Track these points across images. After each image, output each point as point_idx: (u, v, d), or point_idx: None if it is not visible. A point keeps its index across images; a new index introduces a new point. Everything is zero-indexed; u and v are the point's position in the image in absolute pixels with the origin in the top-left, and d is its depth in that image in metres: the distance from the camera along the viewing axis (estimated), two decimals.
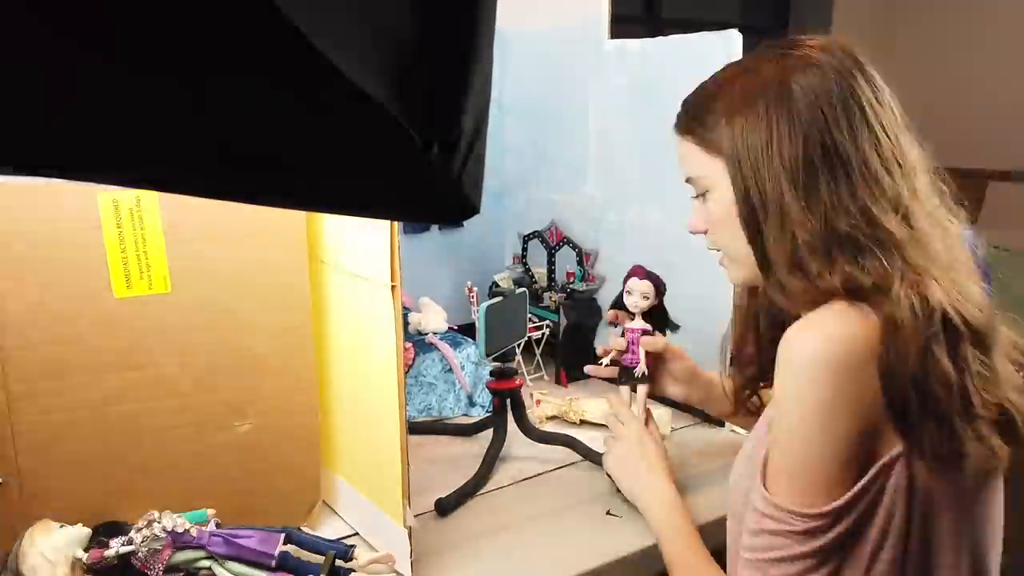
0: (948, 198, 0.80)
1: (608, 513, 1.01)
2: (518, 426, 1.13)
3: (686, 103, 0.86)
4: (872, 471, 0.69)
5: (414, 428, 1.05)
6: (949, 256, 0.74)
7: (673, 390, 1.11)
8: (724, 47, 1.17)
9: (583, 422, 1.30)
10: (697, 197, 0.86)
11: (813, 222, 0.73)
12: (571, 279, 1.49)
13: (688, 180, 0.86)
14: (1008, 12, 3.62)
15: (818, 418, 0.68)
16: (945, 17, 3.95)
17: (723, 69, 0.84)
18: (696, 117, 0.83)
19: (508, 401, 1.13)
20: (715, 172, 0.81)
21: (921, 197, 0.75)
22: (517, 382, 1.12)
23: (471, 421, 1.24)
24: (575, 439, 1.13)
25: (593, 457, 1.07)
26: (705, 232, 0.87)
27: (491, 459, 1.10)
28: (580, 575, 0.89)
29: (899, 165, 0.74)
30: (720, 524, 0.94)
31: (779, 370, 0.72)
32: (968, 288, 0.72)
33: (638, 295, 1.03)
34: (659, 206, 1.33)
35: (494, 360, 1.10)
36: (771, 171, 0.75)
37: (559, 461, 1.14)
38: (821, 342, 0.68)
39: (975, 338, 0.70)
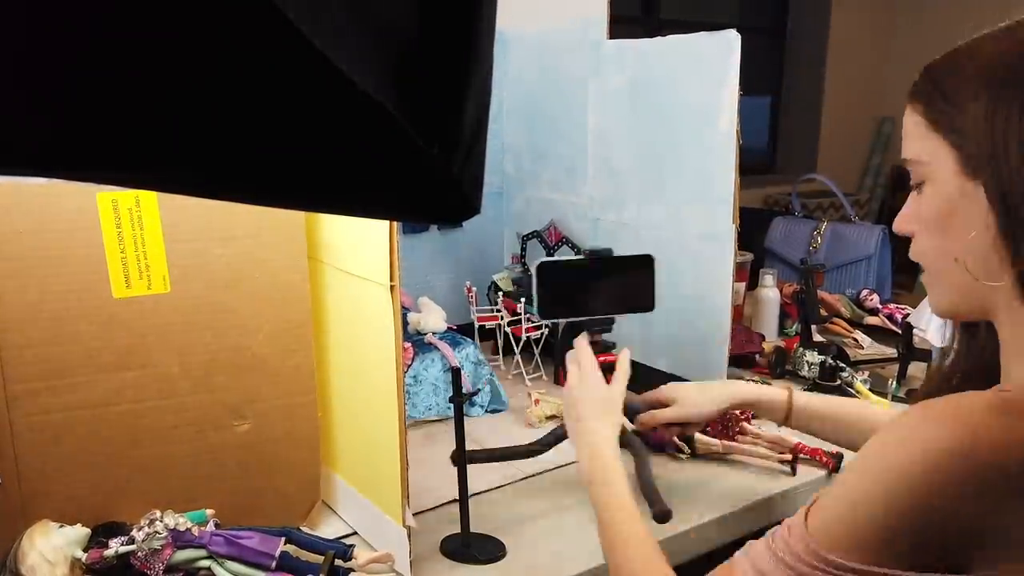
0: None
1: None
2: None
3: (926, 67, 0.65)
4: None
5: (472, 458, 0.95)
6: None
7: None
8: (723, 47, 1.17)
9: None
10: (914, 188, 0.66)
11: None
12: None
13: (905, 162, 0.67)
14: (1008, 12, 3.62)
15: (885, 487, 0.55)
16: (944, 17, 3.95)
17: (988, 32, 0.64)
18: (932, 82, 0.63)
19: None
20: (938, 156, 0.62)
21: None
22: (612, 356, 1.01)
23: (532, 442, 1.07)
24: (646, 454, 1.00)
25: (646, 483, 0.96)
26: (912, 236, 0.68)
27: (552, 440, 1.04)
28: (580, 575, 0.89)
29: None
30: (719, 524, 0.95)
31: (877, 440, 0.59)
32: None
33: None
34: (658, 206, 1.33)
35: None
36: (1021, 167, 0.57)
37: (559, 461, 1.14)
38: (928, 441, 0.54)
39: None
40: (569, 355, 0.98)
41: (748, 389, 1.05)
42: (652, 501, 0.95)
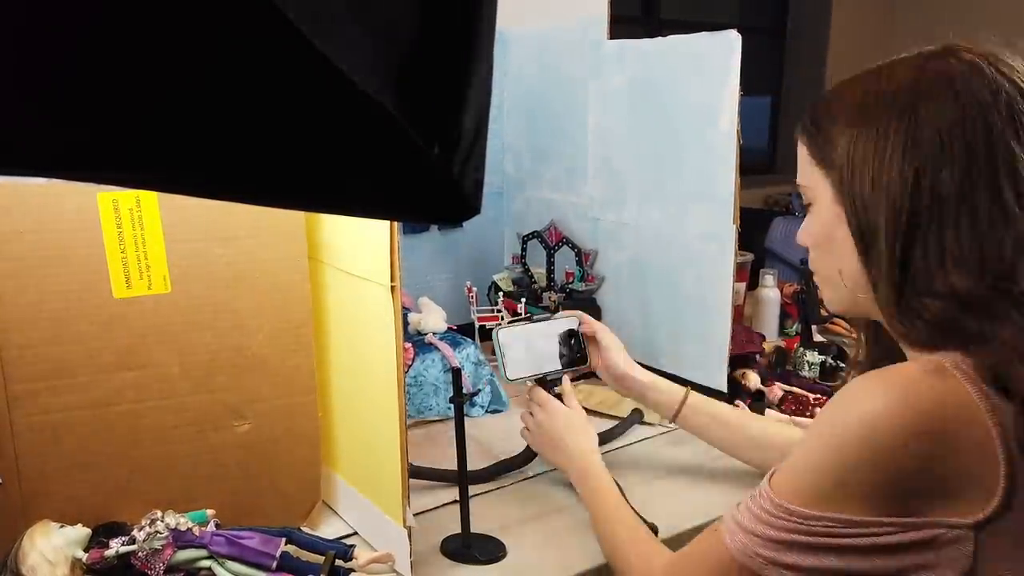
0: None
1: None
2: None
3: (810, 104, 0.76)
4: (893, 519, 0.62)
5: (474, 478, 1.00)
6: None
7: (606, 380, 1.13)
8: (723, 47, 1.17)
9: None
10: (807, 208, 0.77)
11: (911, 270, 0.65)
12: (570, 279, 1.49)
13: (799, 187, 0.78)
14: (1008, 12, 3.62)
15: (836, 447, 0.63)
16: (944, 18, 3.95)
17: (868, 68, 0.73)
18: (814, 120, 0.74)
19: None
20: (818, 185, 0.73)
21: None
22: None
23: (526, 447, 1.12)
24: (618, 486, 1.02)
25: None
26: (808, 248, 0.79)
27: (505, 468, 1.10)
28: (580, 575, 0.89)
29: (1021, 219, 0.64)
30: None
31: (826, 410, 0.67)
32: None
33: None
34: (658, 206, 1.33)
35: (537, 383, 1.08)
36: (875, 199, 0.66)
37: None
38: (869, 407, 0.62)
39: None
40: (527, 404, 1.09)
41: (651, 375, 1.12)
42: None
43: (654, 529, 0.95)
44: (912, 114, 0.65)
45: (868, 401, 0.62)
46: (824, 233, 0.73)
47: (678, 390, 1.10)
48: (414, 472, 1.01)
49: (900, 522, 0.61)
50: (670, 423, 1.12)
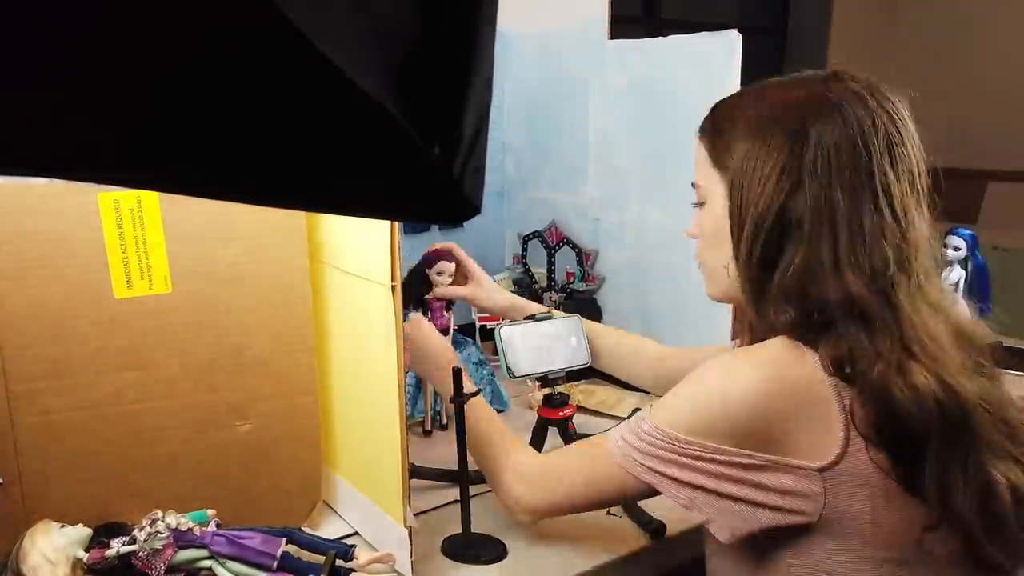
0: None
1: (608, 513, 1.01)
2: None
3: (714, 106, 0.84)
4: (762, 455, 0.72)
5: (475, 478, 1.00)
6: (940, 339, 0.72)
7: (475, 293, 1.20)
8: (723, 48, 1.17)
9: (580, 408, 1.31)
10: (696, 205, 0.86)
11: (782, 270, 0.74)
12: (571, 279, 1.49)
13: (693, 184, 0.86)
14: (1008, 12, 3.62)
15: (707, 399, 0.75)
16: (945, 17, 3.95)
17: (766, 81, 0.82)
18: (715, 124, 0.82)
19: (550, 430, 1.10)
20: (714, 185, 0.81)
21: (914, 270, 0.73)
22: (562, 413, 1.09)
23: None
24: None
25: (636, 512, 1.00)
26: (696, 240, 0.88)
27: None
28: (580, 575, 0.89)
29: (898, 238, 0.72)
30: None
31: (706, 373, 0.76)
32: (958, 376, 0.70)
33: (447, 275, 1.19)
34: (659, 206, 1.33)
35: (542, 386, 1.11)
36: (758, 204, 0.74)
37: None
38: (739, 378, 0.73)
39: (959, 426, 0.69)
40: (405, 326, 1.09)
41: (519, 299, 1.21)
42: (643, 521, 0.98)
43: (662, 528, 0.96)
44: (802, 132, 0.73)
45: (738, 377, 0.73)
46: (713, 229, 0.82)
47: (542, 309, 1.18)
48: (414, 472, 1.02)
49: (757, 454, 0.72)
50: None
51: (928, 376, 0.69)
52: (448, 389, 0.93)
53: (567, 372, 1.11)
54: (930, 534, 0.70)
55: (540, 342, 1.10)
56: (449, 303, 1.22)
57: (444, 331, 1.21)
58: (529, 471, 0.87)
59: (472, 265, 1.21)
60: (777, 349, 0.74)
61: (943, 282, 0.79)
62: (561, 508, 0.86)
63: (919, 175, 0.75)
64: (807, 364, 0.72)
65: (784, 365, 0.72)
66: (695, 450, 0.73)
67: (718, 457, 0.73)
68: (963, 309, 0.85)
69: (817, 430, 0.71)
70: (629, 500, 0.98)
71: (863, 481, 0.70)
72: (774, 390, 0.71)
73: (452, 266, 1.19)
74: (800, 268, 0.73)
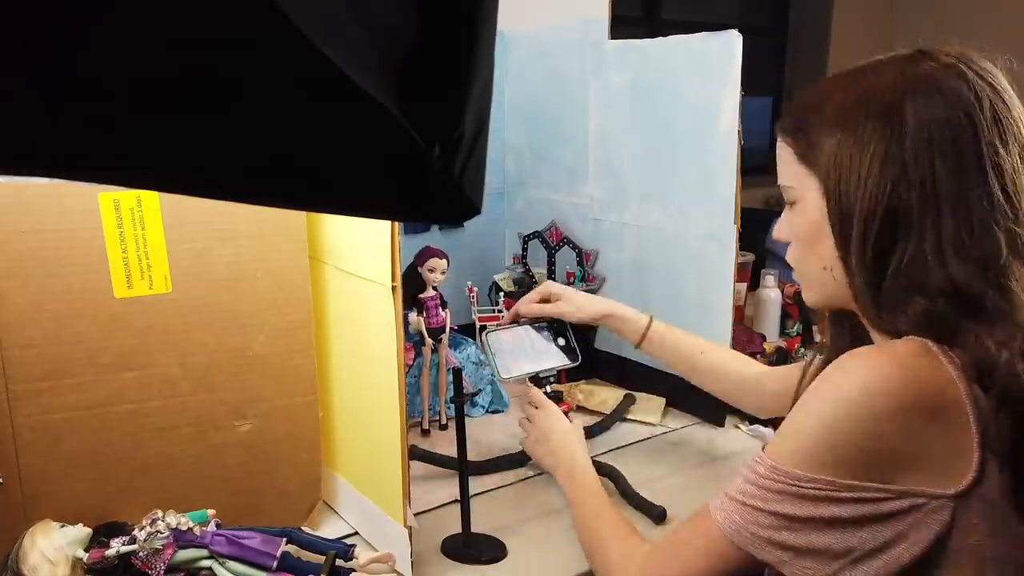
0: None
1: None
2: None
3: (793, 103, 0.77)
4: (882, 487, 0.64)
5: (475, 470, 1.05)
6: None
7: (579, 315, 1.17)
8: (724, 48, 1.17)
9: (580, 408, 1.32)
10: (788, 205, 0.79)
11: (894, 267, 0.68)
12: (571, 279, 1.49)
13: (781, 187, 0.79)
14: (1009, 11, 3.62)
15: (831, 413, 0.65)
16: (945, 18, 3.95)
17: (845, 70, 0.75)
18: (798, 120, 0.75)
19: None
20: (804, 184, 0.75)
21: None
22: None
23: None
24: (620, 473, 1.07)
25: (635, 499, 1.03)
26: (787, 243, 0.81)
27: (507, 463, 1.13)
28: (580, 575, 0.89)
29: (1011, 219, 0.66)
30: None
31: (823, 380, 0.68)
32: None
33: (439, 272, 1.19)
34: (659, 206, 1.33)
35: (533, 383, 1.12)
36: (862, 199, 0.68)
37: None
38: (868, 378, 0.64)
39: None
40: (528, 401, 1.11)
41: (616, 304, 1.18)
42: (644, 506, 1.00)
43: (662, 513, 0.98)
44: (898, 114, 0.67)
45: (866, 372, 0.64)
46: (811, 231, 0.75)
47: (640, 317, 1.16)
48: (415, 454, 1.02)
49: (884, 488, 0.64)
50: (636, 348, 1.18)
51: None
52: (558, 473, 0.97)
53: (558, 372, 1.13)
54: None
55: (527, 344, 1.12)
56: (443, 301, 1.23)
57: (440, 329, 1.22)
58: (640, 562, 0.78)
59: (554, 287, 1.18)
60: (907, 350, 0.65)
61: None
62: None
63: None
64: (940, 366, 0.64)
65: (917, 368, 0.64)
66: (816, 488, 0.65)
67: (840, 494, 0.64)
68: None
69: (950, 446, 0.63)
70: (629, 493, 0.98)
71: (994, 507, 0.64)
72: (909, 391, 0.63)
73: (444, 263, 1.19)
74: (912, 261, 0.67)
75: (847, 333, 0.81)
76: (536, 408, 1.08)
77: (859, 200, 0.68)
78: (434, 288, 1.22)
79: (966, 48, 0.70)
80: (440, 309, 1.22)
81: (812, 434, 0.66)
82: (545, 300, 1.17)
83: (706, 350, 1.14)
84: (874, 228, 0.68)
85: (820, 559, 0.66)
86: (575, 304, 1.16)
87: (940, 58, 0.69)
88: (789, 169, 0.76)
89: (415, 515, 0.88)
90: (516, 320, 1.17)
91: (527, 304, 1.17)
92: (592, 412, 1.32)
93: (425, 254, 1.20)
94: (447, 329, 1.24)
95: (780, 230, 0.81)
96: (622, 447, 1.21)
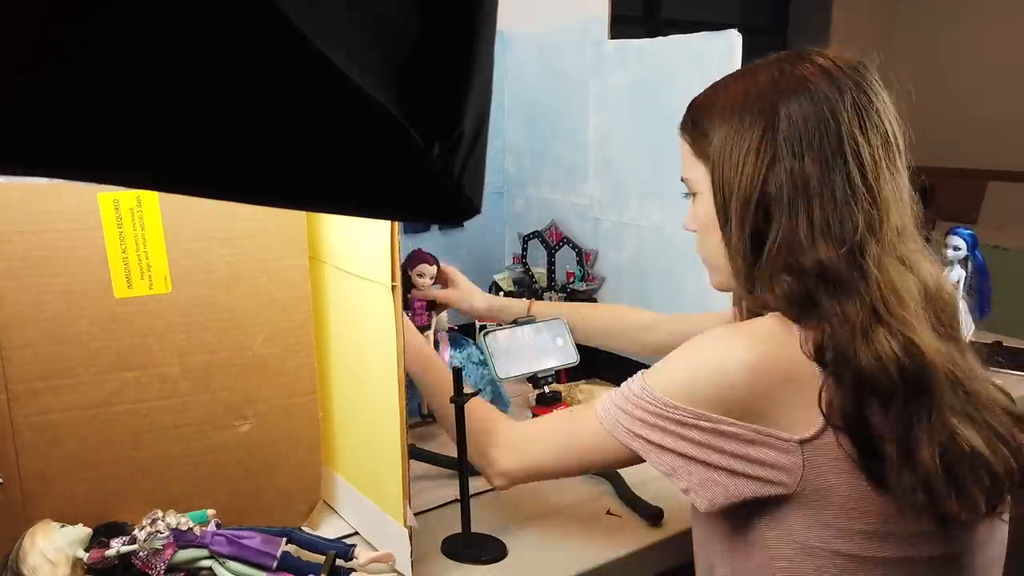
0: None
1: (608, 513, 1.01)
2: None
3: (691, 102, 0.86)
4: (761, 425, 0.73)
5: (472, 469, 1.04)
6: (905, 296, 0.73)
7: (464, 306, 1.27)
8: (724, 47, 1.17)
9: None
10: (688, 196, 0.88)
11: (767, 248, 0.76)
12: (571, 279, 1.49)
13: (682, 179, 0.88)
14: (1008, 12, 3.62)
15: (692, 376, 0.76)
16: (945, 18, 3.95)
17: (735, 72, 0.85)
18: (693, 118, 0.84)
19: None
20: (699, 176, 0.83)
21: (887, 235, 0.75)
22: (555, 410, 1.11)
23: None
24: (617, 473, 1.06)
25: (632, 499, 1.02)
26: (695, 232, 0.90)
27: None
28: (580, 575, 0.89)
29: (867, 201, 0.74)
30: None
31: (697, 344, 0.78)
32: (921, 333, 0.72)
33: (428, 277, 1.23)
34: (659, 206, 1.33)
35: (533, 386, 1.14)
36: (740, 185, 0.77)
37: None
38: (726, 353, 0.75)
39: (918, 388, 0.71)
40: None
41: (502, 299, 1.31)
42: (640, 508, 1.00)
43: (659, 513, 0.98)
44: (772, 111, 0.75)
45: (733, 348, 0.75)
46: (706, 220, 0.83)
47: (522, 304, 1.27)
48: (415, 454, 1.02)
49: (742, 424, 0.73)
50: None
51: (891, 339, 0.71)
52: (414, 373, 0.96)
53: (557, 371, 1.13)
54: (900, 505, 0.72)
55: (525, 344, 1.13)
56: (431, 304, 1.24)
57: (422, 329, 1.24)
58: (508, 436, 0.88)
59: (452, 272, 1.26)
60: (770, 325, 0.76)
61: (922, 240, 0.80)
62: (538, 471, 0.87)
63: (894, 135, 0.77)
64: (795, 342, 0.74)
65: (776, 342, 0.74)
66: (683, 416, 0.75)
67: (704, 424, 0.74)
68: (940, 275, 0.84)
69: (801, 405, 0.73)
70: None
71: (837, 457, 0.72)
72: (766, 365, 0.73)
73: (433, 269, 1.21)
74: (782, 243, 0.75)
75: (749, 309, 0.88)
76: None
77: (737, 187, 0.77)
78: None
79: (838, 51, 0.79)
80: (425, 311, 1.24)
81: (684, 375, 0.77)
82: (444, 284, 1.25)
83: (587, 315, 1.25)
84: (749, 213, 0.76)
85: (680, 459, 0.76)
86: (465, 295, 1.26)
87: (814, 59, 0.78)
88: (687, 163, 0.85)
89: (415, 515, 0.88)
90: (513, 321, 1.18)
91: (423, 292, 1.23)
92: None
93: (415, 259, 1.21)
94: (431, 329, 1.25)
95: (686, 221, 0.90)
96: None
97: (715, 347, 0.77)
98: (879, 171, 0.75)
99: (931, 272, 0.78)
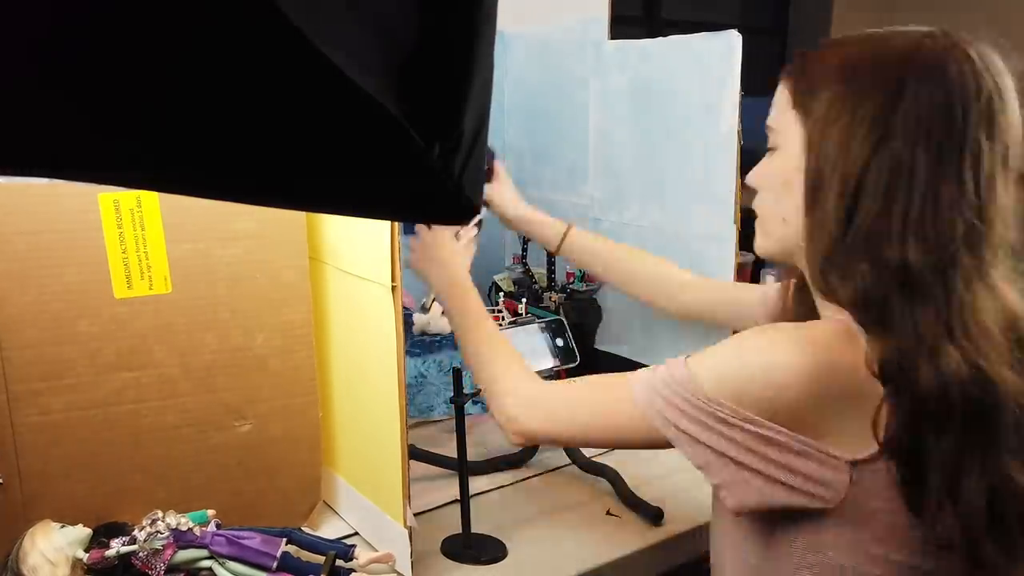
0: None
1: (608, 513, 1.01)
2: (566, 454, 1.13)
3: (804, 51, 0.76)
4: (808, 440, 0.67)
5: (473, 470, 1.04)
6: (987, 321, 0.66)
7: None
8: (724, 48, 1.17)
9: None
10: (768, 152, 0.78)
11: (852, 232, 0.68)
12: (571, 279, 1.48)
13: (767, 128, 0.78)
14: (1008, 11, 3.61)
15: (740, 377, 0.69)
16: (945, 18, 3.94)
17: (869, 31, 0.74)
18: (803, 66, 0.74)
19: None
20: (790, 131, 0.74)
21: (982, 248, 0.68)
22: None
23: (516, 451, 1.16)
24: (617, 473, 1.08)
25: (632, 499, 1.03)
26: (757, 190, 0.81)
27: (505, 464, 1.13)
28: (580, 575, 0.89)
29: (973, 212, 0.67)
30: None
31: (744, 341, 0.71)
32: (995, 362, 0.65)
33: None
34: (659, 206, 1.33)
35: None
36: (840, 157, 0.68)
37: (560, 462, 1.14)
38: (787, 356, 0.67)
39: (978, 419, 0.65)
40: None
41: (537, 212, 1.23)
42: (640, 507, 1.00)
43: (659, 513, 0.98)
44: (897, 87, 0.67)
45: (786, 352, 0.68)
46: (782, 178, 0.75)
47: (560, 225, 1.20)
48: (415, 454, 1.02)
49: (788, 433, 0.67)
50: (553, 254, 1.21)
51: (960, 361, 0.64)
52: (450, 303, 0.93)
53: (557, 371, 1.13)
54: (937, 541, 0.67)
55: (525, 344, 1.12)
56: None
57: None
58: (532, 392, 0.83)
59: (499, 170, 1.21)
60: (833, 331, 0.69)
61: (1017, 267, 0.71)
62: (558, 437, 0.84)
63: (1015, 152, 0.69)
64: (857, 354, 0.67)
65: (837, 351, 0.67)
66: (728, 415, 0.68)
67: (749, 428, 0.68)
68: None
69: (854, 422, 0.66)
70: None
71: (886, 483, 0.67)
72: (823, 374, 0.66)
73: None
74: (871, 230, 0.67)
75: (807, 304, 0.80)
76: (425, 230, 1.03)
77: (836, 157, 0.68)
78: None
79: (989, 41, 0.71)
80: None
81: (731, 371, 0.70)
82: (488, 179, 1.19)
83: (625, 257, 1.18)
84: (847, 191, 0.68)
85: (716, 455, 0.70)
86: (504, 194, 1.20)
87: (959, 43, 0.69)
88: (779, 113, 0.76)
89: (415, 515, 0.88)
90: (513, 321, 1.17)
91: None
92: None
93: None
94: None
95: (753, 175, 0.81)
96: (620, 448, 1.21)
97: (772, 348, 0.69)
98: (993, 184, 0.68)
99: (1019, 303, 0.70)
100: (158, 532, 0.79)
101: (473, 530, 0.92)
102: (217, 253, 0.89)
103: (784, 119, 0.75)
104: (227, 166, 0.33)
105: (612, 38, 1.38)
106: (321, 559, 0.83)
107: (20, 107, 0.31)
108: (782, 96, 0.76)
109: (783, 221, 0.75)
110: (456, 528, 0.93)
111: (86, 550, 0.79)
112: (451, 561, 0.91)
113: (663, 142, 1.30)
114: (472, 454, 1.03)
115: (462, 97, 0.31)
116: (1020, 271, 0.71)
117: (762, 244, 0.81)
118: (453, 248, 0.99)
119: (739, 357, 0.71)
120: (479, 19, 0.31)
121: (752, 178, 0.81)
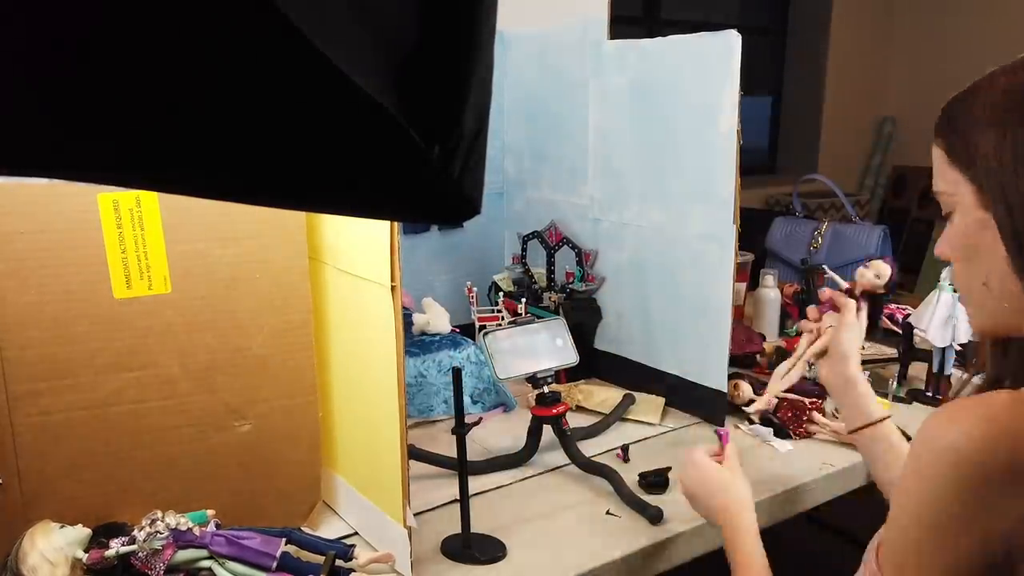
0: None
1: (608, 513, 1.01)
2: (566, 454, 1.13)
3: (949, 101, 0.69)
4: None
5: (473, 470, 1.04)
6: None
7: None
8: (723, 47, 1.17)
9: (579, 408, 1.32)
10: (946, 217, 0.71)
11: None
12: (570, 279, 1.49)
13: (936, 194, 0.71)
14: (1007, 10, 3.62)
15: (930, 520, 0.59)
16: (943, 18, 3.95)
17: (1000, 68, 0.67)
18: (951, 121, 0.68)
19: (544, 427, 1.13)
20: (959, 190, 0.67)
21: None
22: (555, 410, 1.11)
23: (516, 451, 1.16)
24: (617, 473, 1.07)
25: (630, 497, 1.03)
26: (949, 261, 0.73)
27: (505, 464, 1.13)
28: (580, 575, 0.89)
29: None
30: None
31: (911, 453, 0.62)
32: None
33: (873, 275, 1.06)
34: (659, 206, 1.33)
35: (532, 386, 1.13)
36: None
37: (559, 462, 1.14)
38: (965, 439, 0.56)
39: None
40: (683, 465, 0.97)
41: (863, 386, 1.01)
42: (641, 507, 1.01)
43: (659, 513, 0.98)
44: None
45: (952, 433, 0.57)
46: (968, 243, 0.67)
47: (876, 410, 0.99)
48: (415, 454, 1.03)
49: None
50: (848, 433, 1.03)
51: None
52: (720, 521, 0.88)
53: (556, 371, 1.13)
54: None
55: (525, 345, 1.13)
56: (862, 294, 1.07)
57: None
58: None
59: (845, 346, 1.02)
60: (1003, 399, 0.59)
61: None
62: None
63: None
64: None
65: (1013, 421, 0.57)
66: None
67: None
68: None
69: None
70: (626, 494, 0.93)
71: None
72: (1000, 459, 0.56)
73: (887, 273, 1.06)
74: None
75: (1013, 358, 0.70)
76: (694, 467, 0.95)
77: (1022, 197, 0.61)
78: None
79: None
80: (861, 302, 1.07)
81: (914, 539, 0.60)
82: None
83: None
84: None
85: None
86: (842, 348, 1.02)
87: None
88: (942, 175, 0.69)
89: (415, 515, 0.88)
90: (512, 321, 1.17)
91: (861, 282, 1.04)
92: (592, 412, 1.31)
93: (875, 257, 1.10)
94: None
95: (940, 247, 0.72)
96: (622, 445, 1.21)
97: (940, 437, 0.59)
98: None
99: None
100: (158, 532, 0.79)
101: (473, 530, 0.92)
102: (217, 253, 0.89)
103: (948, 179, 0.68)
104: (227, 166, 0.33)
105: (612, 38, 1.38)
106: (321, 559, 0.83)
107: (19, 107, 0.31)
108: (937, 156, 0.69)
109: (984, 287, 0.67)
110: (456, 528, 0.93)
111: (86, 550, 0.79)
112: (451, 561, 0.91)
113: (663, 142, 1.30)
114: (472, 454, 1.03)
115: (462, 97, 0.31)
116: None
117: (977, 322, 0.72)
118: (727, 484, 0.92)
119: (919, 491, 0.60)
120: (479, 19, 0.31)
121: (941, 251, 0.73)
